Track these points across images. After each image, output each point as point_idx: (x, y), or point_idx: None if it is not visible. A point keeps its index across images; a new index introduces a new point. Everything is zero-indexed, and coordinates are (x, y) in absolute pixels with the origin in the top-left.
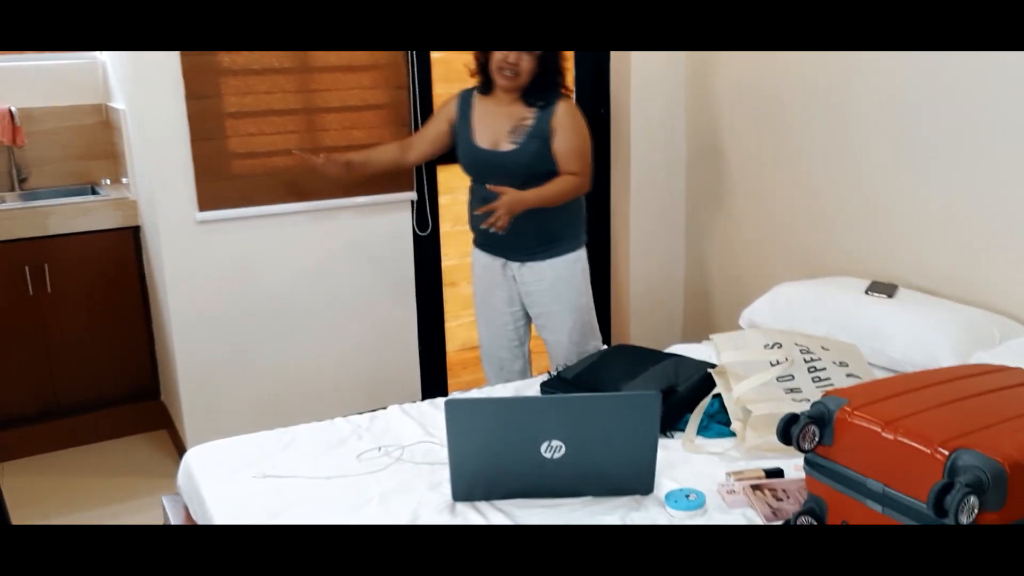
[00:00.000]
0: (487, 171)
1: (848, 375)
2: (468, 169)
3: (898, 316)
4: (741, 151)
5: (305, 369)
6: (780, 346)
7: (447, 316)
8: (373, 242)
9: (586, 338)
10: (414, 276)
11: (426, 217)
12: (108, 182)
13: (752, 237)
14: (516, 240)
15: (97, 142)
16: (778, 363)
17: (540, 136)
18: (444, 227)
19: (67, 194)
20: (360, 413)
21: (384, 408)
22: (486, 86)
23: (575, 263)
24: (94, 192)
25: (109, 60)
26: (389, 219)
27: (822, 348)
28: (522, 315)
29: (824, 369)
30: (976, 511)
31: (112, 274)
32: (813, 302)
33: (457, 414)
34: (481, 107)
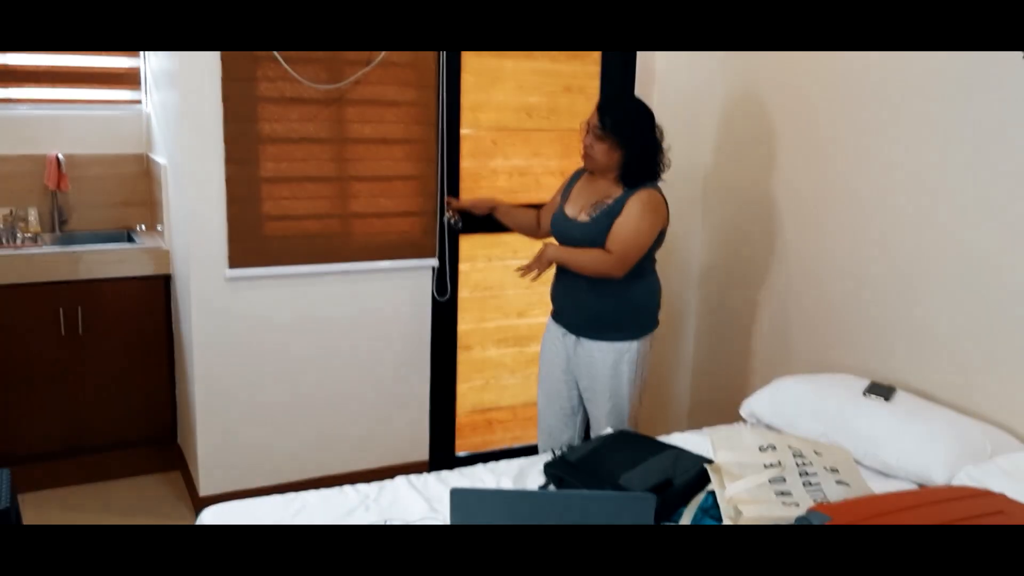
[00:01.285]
0: (561, 237)
1: (838, 482)
2: (553, 234)
3: (894, 422)
4: (754, 232)
5: (318, 424)
6: (774, 448)
7: (459, 379)
8: (394, 306)
9: (620, 424)
10: (430, 340)
11: (445, 283)
12: (143, 228)
13: (760, 325)
14: (576, 316)
15: (136, 190)
16: (771, 466)
17: (611, 215)
18: (463, 293)
19: (104, 238)
20: (368, 469)
21: (391, 476)
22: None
23: (625, 352)
24: (130, 238)
25: (153, 113)
26: (411, 284)
27: (815, 453)
28: (575, 386)
29: (815, 474)
30: None
31: (141, 320)
32: (812, 399)
33: (462, 504)
34: (586, 183)
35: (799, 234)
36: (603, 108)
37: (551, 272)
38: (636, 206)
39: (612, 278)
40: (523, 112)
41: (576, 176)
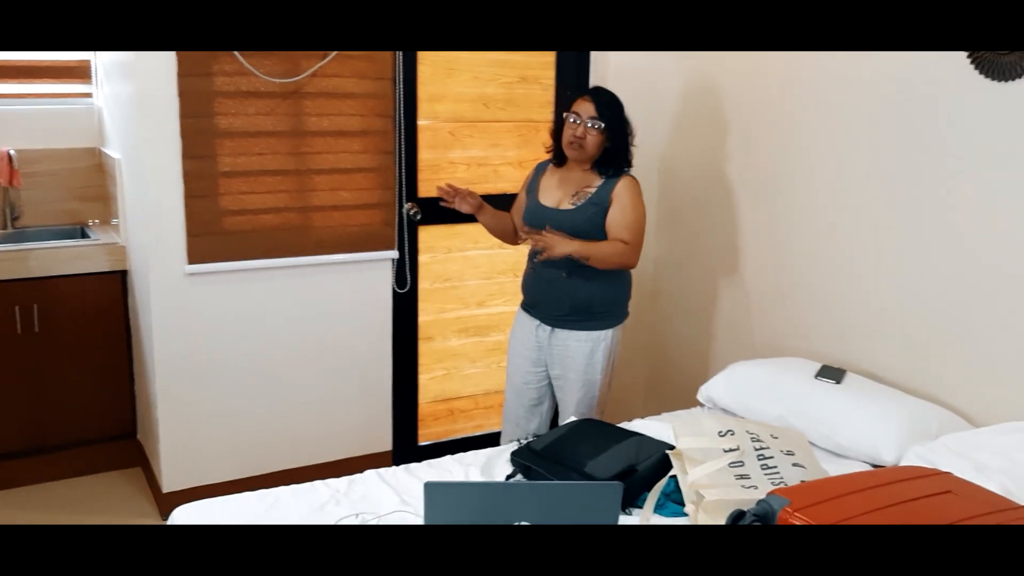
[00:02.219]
0: (538, 224)
1: (794, 464)
2: (529, 227)
3: (844, 405)
4: (708, 220)
5: (281, 417)
6: (733, 433)
7: (420, 370)
8: (354, 298)
9: (589, 412)
10: (391, 331)
11: (405, 275)
12: (97, 222)
13: (715, 311)
14: (553, 306)
15: (89, 184)
16: (730, 450)
17: (599, 204)
18: (423, 285)
19: (57, 233)
20: (333, 461)
21: (355, 466)
22: (560, 158)
23: (601, 341)
24: (84, 234)
25: (105, 106)
26: (371, 276)
27: (771, 436)
28: (545, 377)
29: (772, 457)
30: None
31: (99, 316)
32: (766, 384)
33: (435, 496)
34: (553, 174)
35: (753, 221)
36: (599, 100)
37: (520, 266)
38: (628, 193)
39: (629, 268)
40: (480, 103)
41: (540, 170)
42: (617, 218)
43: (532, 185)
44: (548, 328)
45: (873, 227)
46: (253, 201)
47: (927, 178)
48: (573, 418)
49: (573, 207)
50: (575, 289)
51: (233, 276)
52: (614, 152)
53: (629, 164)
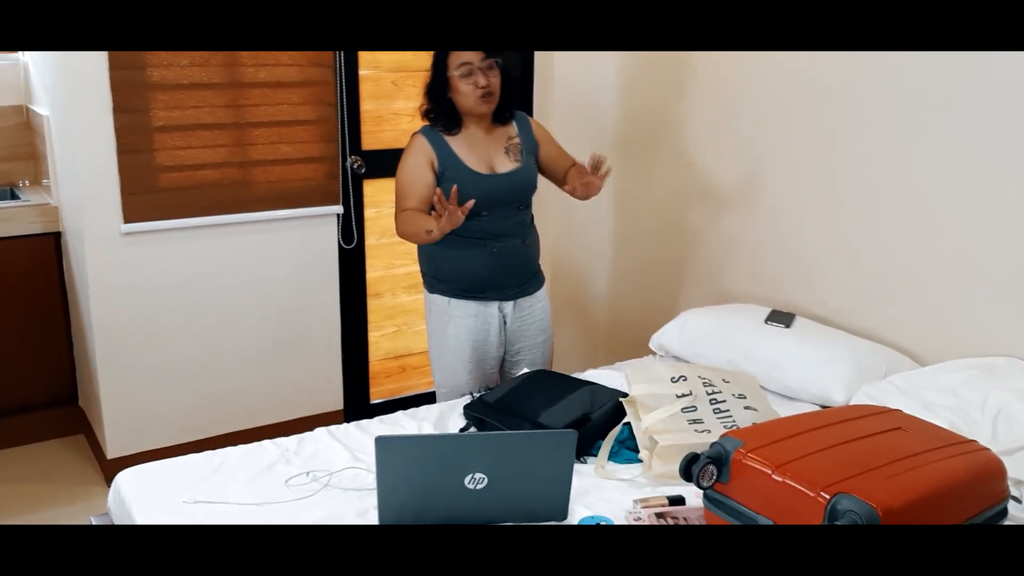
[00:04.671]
0: (494, 197)
1: (746, 407)
2: (469, 199)
3: (794, 348)
4: (659, 170)
5: (228, 378)
6: (685, 379)
7: (371, 327)
8: (299, 255)
9: (547, 364)
10: (339, 288)
11: (352, 230)
12: (27, 183)
13: (666, 259)
14: (515, 276)
15: (18, 144)
16: (683, 396)
17: (531, 151)
18: (370, 240)
19: None
20: (283, 421)
21: (306, 426)
22: (454, 122)
23: (546, 293)
24: (13, 195)
25: (31, 62)
26: (315, 232)
27: (723, 381)
28: (501, 358)
29: (724, 401)
30: None
31: (33, 280)
32: (717, 330)
33: (387, 450)
34: (457, 141)
35: (702, 171)
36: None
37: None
38: (540, 127)
39: None
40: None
41: (435, 141)
42: (556, 153)
43: (448, 157)
44: (510, 304)
45: (820, 174)
46: (190, 156)
47: (872, 124)
48: (526, 370)
49: (520, 163)
50: (532, 253)
51: (172, 235)
52: (509, 92)
53: (517, 103)
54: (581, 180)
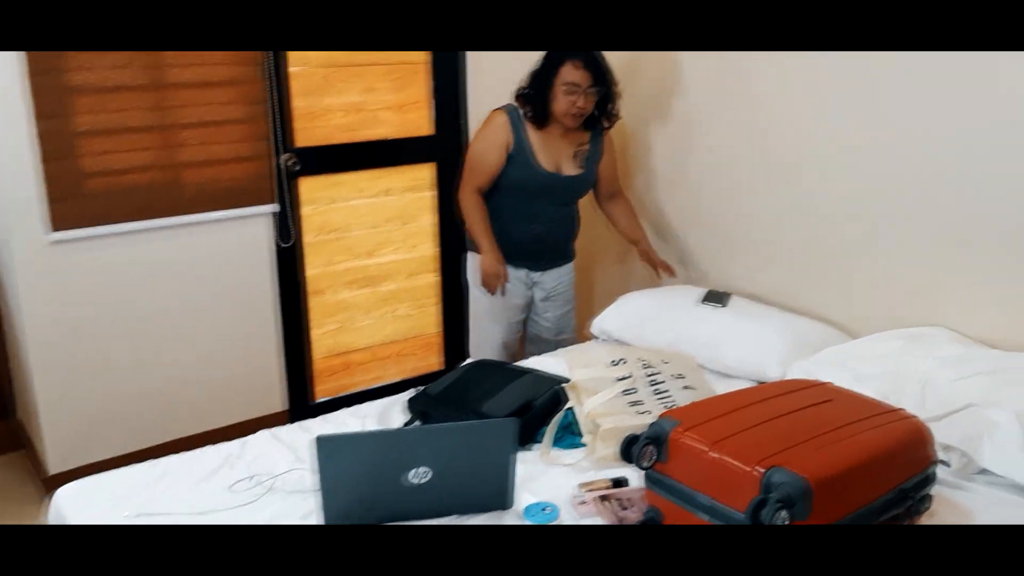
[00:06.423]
0: (550, 192)
1: (685, 387)
2: (526, 191)
3: (729, 327)
4: None
5: (168, 384)
6: (624, 361)
7: (312, 324)
8: (234, 256)
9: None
10: (278, 287)
11: (288, 228)
12: None
13: (604, 243)
14: (554, 249)
15: None
16: (623, 378)
17: (596, 160)
18: (307, 238)
19: None
20: (228, 425)
21: (252, 429)
22: (542, 119)
23: (573, 269)
24: None
25: None
26: (251, 232)
27: (662, 362)
28: (524, 319)
29: (663, 382)
30: (787, 522)
31: None
32: (656, 312)
33: (328, 450)
34: (536, 133)
35: (642, 156)
36: (593, 67)
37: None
38: (610, 144)
39: None
40: None
41: (517, 125)
42: (610, 169)
43: (522, 145)
44: (538, 272)
45: (747, 152)
46: (117, 160)
47: (796, 100)
48: (470, 360)
49: (583, 170)
50: (570, 231)
51: (102, 241)
52: (604, 106)
53: (618, 116)
54: (644, 260)
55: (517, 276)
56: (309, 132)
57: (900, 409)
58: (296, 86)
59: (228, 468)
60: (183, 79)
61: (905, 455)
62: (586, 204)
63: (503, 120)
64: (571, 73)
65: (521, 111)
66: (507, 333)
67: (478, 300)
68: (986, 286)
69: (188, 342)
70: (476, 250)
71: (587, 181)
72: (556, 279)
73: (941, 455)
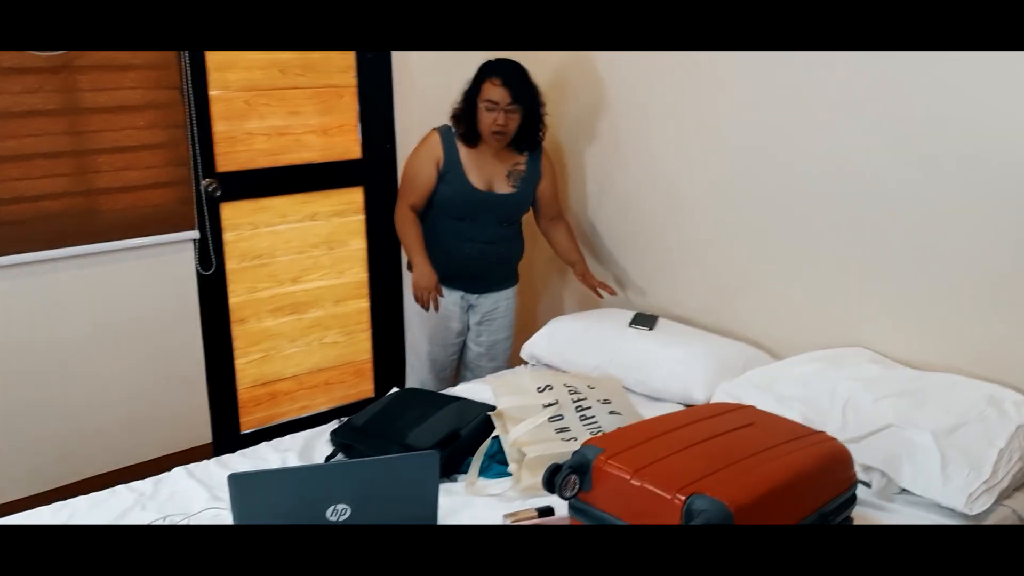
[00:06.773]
0: (481, 211)
1: (611, 412)
2: (457, 208)
3: (656, 350)
4: None
5: (84, 420)
6: (551, 388)
7: (236, 354)
8: (155, 284)
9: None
10: (200, 316)
11: (210, 255)
12: None
13: (535, 269)
14: (492, 272)
15: None
16: (549, 405)
17: (532, 181)
18: (230, 264)
19: None
20: (148, 460)
21: (173, 465)
22: (473, 137)
23: (515, 294)
24: None
25: None
26: (171, 260)
27: (588, 387)
28: (462, 344)
29: (590, 408)
30: None
31: None
32: (584, 336)
33: (242, 488)
34: (468, 151)
35: (575, 174)
36: (511, 83)
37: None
38: (549, 165)
39: None
40: (275, 69)
41: (449, 143)
42: (549, 191)
43: (453, 162)
44: (474, 295)
45: (670, 174)
46: (29, 187)
47: (720, 122)
48: (395, 389)
49: (515, 189)
50: (512, 256)
51: (14, 271)
52: (531, 126)
53: (543, 136)
54: (581, 281)
55: (452, 299)
56: (231, 156)
57: (821, 432)
58: (217, 110)
59: (140, 509)
60: (98, 103)
61: (825, 477)
62: (533, 228)
63: (435, 139)
64: (490, 91)
65: (454, 130)
66: (443, 356)
67: (412, 321)
68: (903, 307)
69: (107, 374)
70: (411, 268)
71: (522, 201)
72: (494, 303)
73: (862, 476)
